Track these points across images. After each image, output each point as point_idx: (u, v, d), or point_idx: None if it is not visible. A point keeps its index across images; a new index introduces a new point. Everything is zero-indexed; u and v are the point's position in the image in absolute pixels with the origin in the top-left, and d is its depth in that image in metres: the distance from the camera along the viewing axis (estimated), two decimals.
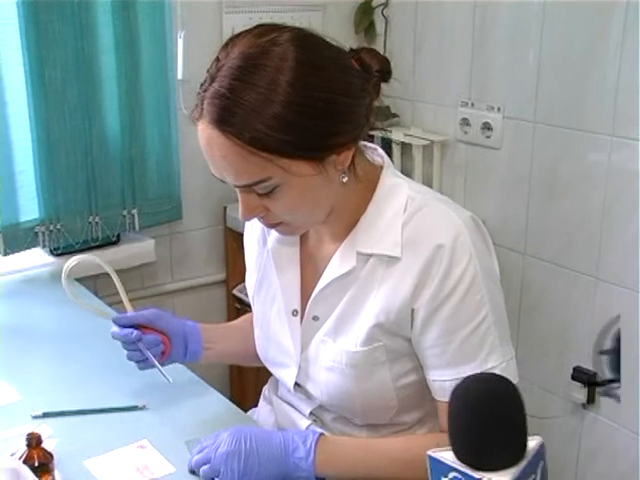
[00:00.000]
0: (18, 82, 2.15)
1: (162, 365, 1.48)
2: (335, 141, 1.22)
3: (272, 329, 1.46)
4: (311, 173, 1.21)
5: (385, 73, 1.32)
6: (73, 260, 1.48)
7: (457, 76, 2.50)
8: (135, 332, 1.44)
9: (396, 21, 2.67)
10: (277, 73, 1.15)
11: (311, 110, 1.18)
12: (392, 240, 1.28)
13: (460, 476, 0.82)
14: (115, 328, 1.47)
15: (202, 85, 1.20)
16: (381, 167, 1.35)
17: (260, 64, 1.16)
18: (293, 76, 1.15)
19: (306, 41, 1.21)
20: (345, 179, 1.26)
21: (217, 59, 1.21)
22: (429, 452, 0.85)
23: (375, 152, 1.38)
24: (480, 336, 1.27)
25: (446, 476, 0.83)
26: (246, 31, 1.22)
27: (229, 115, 1.15)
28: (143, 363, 1.48)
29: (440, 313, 1.26)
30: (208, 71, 1.21)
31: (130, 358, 1.47)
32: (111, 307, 1.94)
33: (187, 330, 1.53)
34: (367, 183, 1.32)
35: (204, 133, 1.19)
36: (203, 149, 1.22)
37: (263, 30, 1.21)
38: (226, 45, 1.22)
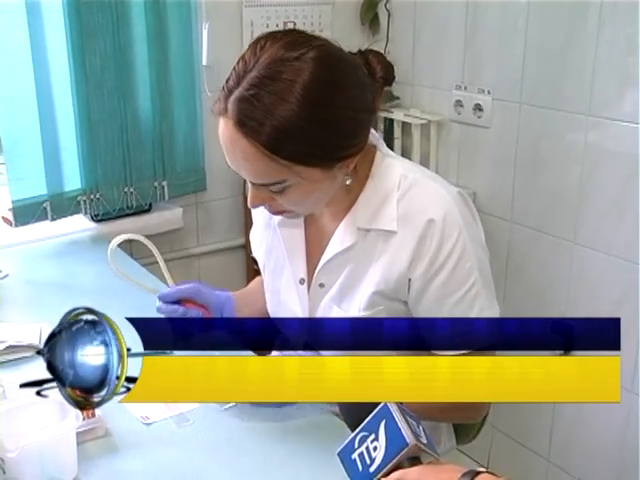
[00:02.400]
0: (62, 68, 2.14)
1: None
2: (349, 152, 1.21)
3: (282, 295, 1.46)
4: (321, 178, 1.21)
5: (388, 79, 1.30)
6: (118, 238, 1.45)
7: (452, 62, 2.49)
8: (181, 309, 1.41)
9: (397, 14, 2.66)
10: (301, 89, 1.12)
11: (332, 126, 1.16)
12: (389, 216, 1.28)
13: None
14: (160, 303, 1.43)
15: (228, 81, 1.17)
16: (374, 146, 1.33)
17: (284, 78, 1.12)
18: (313, 93, 1.13)
19: (330, 60, 1.17)
20: (349, 182, 1.26)
21: (244, 59, 1.16)
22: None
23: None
24: (470, 299, 1.28)
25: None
26: (277, 35, 1.18)
27: (253, 122, 1.12)
28: None
29: (434, 282, 1.27)
30: (234, 69, 1.17)
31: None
32: (145, 268, 1.96)
33: (223, 301, 1.51)
34: (363, 164, 1.30)
35: (227, 131, 1.16)
36: (223, 145, 1.19)
37: (293, 41, 1.16)
38: (255, 45, 1.17)
